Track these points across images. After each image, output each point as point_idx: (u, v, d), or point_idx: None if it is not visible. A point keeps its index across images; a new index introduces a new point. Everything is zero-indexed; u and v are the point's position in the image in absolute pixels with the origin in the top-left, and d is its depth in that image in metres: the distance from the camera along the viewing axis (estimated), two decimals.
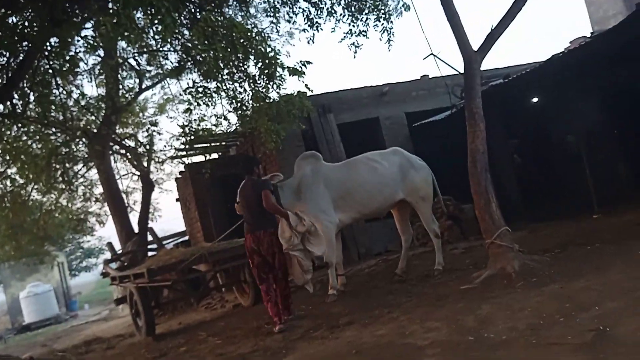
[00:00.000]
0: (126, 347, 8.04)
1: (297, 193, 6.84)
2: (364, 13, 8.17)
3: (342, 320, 5.53)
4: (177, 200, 14.43)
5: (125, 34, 5.47)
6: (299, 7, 8.33)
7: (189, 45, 7.37)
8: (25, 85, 7.42)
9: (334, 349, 4.45)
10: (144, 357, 6.60)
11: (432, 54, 8.86)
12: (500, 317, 4.17)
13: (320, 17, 8.26)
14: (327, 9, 8.16)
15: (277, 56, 7.26)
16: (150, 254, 10.53)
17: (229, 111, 8.69)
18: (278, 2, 8.43)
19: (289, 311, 5.88)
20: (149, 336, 7.81)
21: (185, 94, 8.19)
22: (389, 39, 8.39)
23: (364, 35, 8.36)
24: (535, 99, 10.56)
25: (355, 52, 8.53)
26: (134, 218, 13.84)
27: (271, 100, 8.06)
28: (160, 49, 9.21)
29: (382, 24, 8.26)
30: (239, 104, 8.15)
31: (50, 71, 7.55)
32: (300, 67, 7.17)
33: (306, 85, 7.60)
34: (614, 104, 9.95)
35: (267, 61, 7.10)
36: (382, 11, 8.18)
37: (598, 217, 8.26)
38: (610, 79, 9.50)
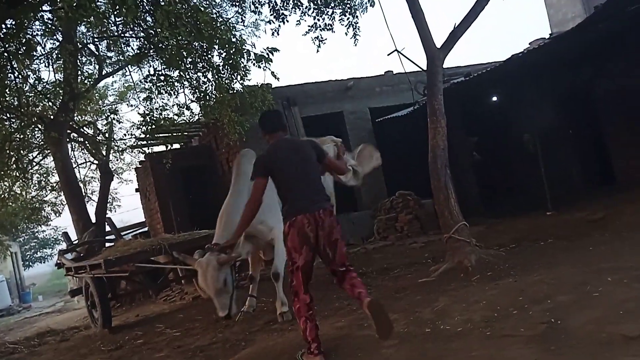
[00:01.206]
0: (81, 339, 7.87)
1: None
2: (330, 7, 8.18)
3: None
4: (137, 190, 14.18)
5: (84, 15, 5.28)
6: None
7: (151, 32, 7.22)
8: None
9: (293, 341, 4.46)
10: (99, 350, 6.47)
11: (396, 50, 8.93)
12: (457, 309, 4.26)
13: (286, 9, 8.23)
14: (294, 0, 8.13)
15: (243, 45, 7.17)
16: (108, 245, 10.30)
17: (192, 101, 8.57)
18: None
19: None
20: (104, 328, 7.66)
21: (147, 82, 8.04)
22: (354, 33, 8.43)
23: (329, 29, 8.38)
24: (494, 98, 10.79)
25: (319, 45, 8.53)
26: (91, 208, 13.55)
27: (235, 91, 7.98)
28: (122, 34, 8.99)
29: (348, 18, 8.29)
30: (201, 94, 8.04)
31: (5, 54, 7.27)
32: (267, 54, 7.10)
33: (272, 73, 7.47)
34: (569, 105, 10.27)
35: (232, 50, 7.00)
36: (348, 6, 8.21)
37: (551, 214, 8.51)
38: (567, 80, 9.79)
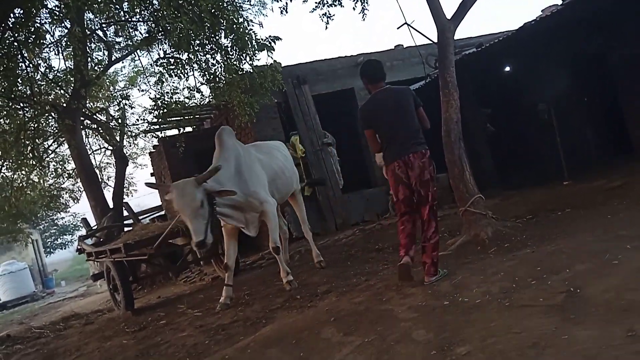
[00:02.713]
0: (105, 321, 8.03)
1: (236, 174, 5.99)
2: None
3: (320, 289, 5.61)
4: (152, 174, 14.30)
5: (91, 1, 5.28)
6: None
7: (158, 14, 7.21)
8: None
9: (313, 317, 4.51)
10: (123, 331, 6.60)
11: (405, 23, 8.79)
12: (475, 281, 4.27)
13: None
14: None
15: (249, 26, 7.15)
16: (126, 229, 10.45)
17: (202, 83, 8.59)
18: None
19: (435, 268, 4.64)
20: (127, 310, 7.81)
21: (157, 66, 8.06)
22: (363, 8, 8.31)
23: (338, 4, 8.26)
24: (507, 68, 10.64)
25: (327, 22, 8.43)
26: (108, 193, 13.70)
27: (243, 72, 7.97)
28: (129, 19, 8.97)
29: None
30: (211, 76, 8.04)
31: (15, 44, 7.30)
32: (269, 42, 7.08)
33: (275, 61, 7.55)
34: (584, 73, 10.09)
35: (238, 32, 6.99)
36: None
37: (568, 184, 8.44)
38: (580, 46, 9.60)
